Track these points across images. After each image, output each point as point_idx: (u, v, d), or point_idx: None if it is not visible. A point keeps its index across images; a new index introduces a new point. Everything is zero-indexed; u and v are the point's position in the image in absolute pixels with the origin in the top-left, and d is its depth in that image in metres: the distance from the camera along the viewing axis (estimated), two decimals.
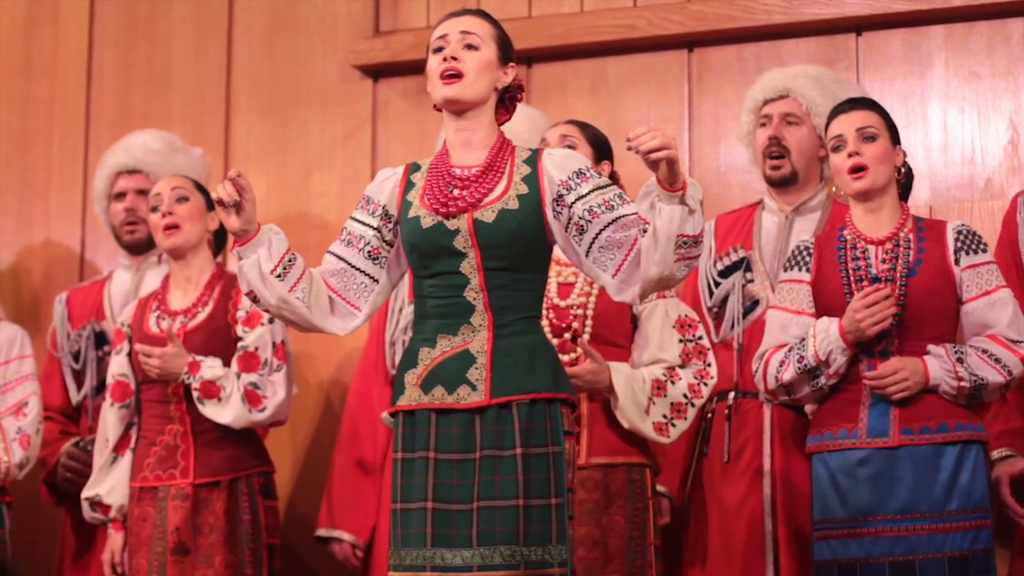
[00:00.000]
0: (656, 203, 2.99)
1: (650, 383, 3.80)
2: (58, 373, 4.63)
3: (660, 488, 4.09)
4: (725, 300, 4.15)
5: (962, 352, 3.65)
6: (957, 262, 3.71)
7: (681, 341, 3.85)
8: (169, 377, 4.05)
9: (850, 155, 3.73)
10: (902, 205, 3.79)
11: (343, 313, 3.21)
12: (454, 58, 3.13)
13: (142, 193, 4.61)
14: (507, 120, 3.26)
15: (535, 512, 3.02)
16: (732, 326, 4.12)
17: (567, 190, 3.11)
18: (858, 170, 3.72)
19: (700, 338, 3.86)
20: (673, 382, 3.81)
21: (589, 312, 3.84)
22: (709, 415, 4.14)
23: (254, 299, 3.17)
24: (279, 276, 3.13)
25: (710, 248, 4.21)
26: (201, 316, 4.15)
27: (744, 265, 4.15)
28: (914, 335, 3.68)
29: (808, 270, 3.80)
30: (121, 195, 4.66)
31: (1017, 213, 3.99)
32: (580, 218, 3.09)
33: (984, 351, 3.65)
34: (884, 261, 3.72)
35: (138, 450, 4.14)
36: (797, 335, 3.75)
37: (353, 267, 3.19)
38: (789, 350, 3.75)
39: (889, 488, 3.63)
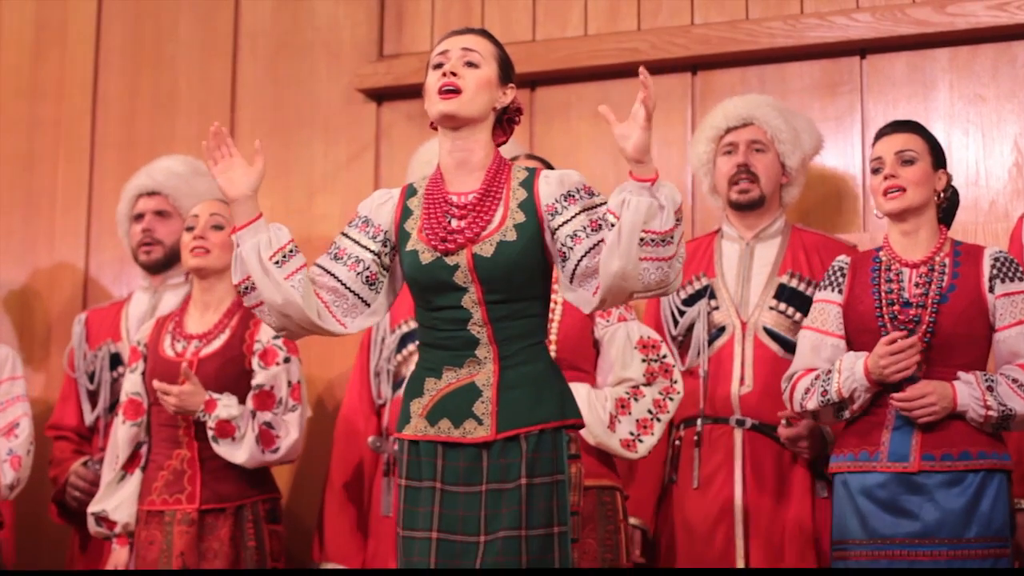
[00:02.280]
0: (626, 196, 2.94)
1: (613, 401, 3.81)
2: (74, 393, 4.63)
3: (634, 520, 4.08)
4: (690, 328, 4.14)
5: (992, 380, 3.62)
6: (991, 289, 3.69)
7: (644, 361, 3.86)
8: (186, 414, 4.06)
9: (886, 177, 3.74)
10: (941, 228, 3.79)
11: (327, 320, 3.13)
12: (453, 73, 3.09)
13: (160, 215, 4.64)
14: (504, 142, 3.22)
15: (537, 542, 2.99)
16: (698, 353, 4.11)
17: (552, 215, 3.07)
18: (892, 191, 3.73)
19: (664, 357, 3.87)
20: (637, 399, 3.82)
21: (552, 338, 3.84)
22: (677, 442, 4.13)
23: (245, 290, 3.11)
24: (277, 263, 3.07)
25: None
26: (217, 343, 4.15)
27: (708, 293, 4.15)
28: (943, 361, 3.67)
29: (840, 291, 3.80)
30: (140, 216, 4.67)
31: (1022, 235, 3.97)
32: (563, 245, 3.04)
33: (1014, 381, 3.63)
34: (917, 285, 3.71)
35: (147, 473, 4.14)
36: (828, 358, 3.75)
37: (347, 287, 3.13)
38: (816, 378, 3.74)
39: (908, 512, 3.62)
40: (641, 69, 2.93)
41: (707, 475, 4.04)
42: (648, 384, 3.85)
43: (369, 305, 3.15)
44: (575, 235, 3.02)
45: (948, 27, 4.45)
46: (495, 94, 3.14)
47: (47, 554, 4.86)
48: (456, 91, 3.08)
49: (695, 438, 4.07)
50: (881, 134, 3.83)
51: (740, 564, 3.96)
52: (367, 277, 3.14)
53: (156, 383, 4.06)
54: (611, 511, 3.89)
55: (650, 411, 3.82)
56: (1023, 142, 4.41)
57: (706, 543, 4.00)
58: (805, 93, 4.51)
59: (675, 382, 3.86)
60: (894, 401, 3.63)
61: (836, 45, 4.56)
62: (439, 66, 3.13)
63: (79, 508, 4.47)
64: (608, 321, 3.92)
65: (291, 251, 3.08)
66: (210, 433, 4.03)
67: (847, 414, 3.71)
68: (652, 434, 3.82)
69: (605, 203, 3.04)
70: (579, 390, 3.77)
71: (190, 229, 4.20)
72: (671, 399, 3.85)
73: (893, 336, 3.63)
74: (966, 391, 3.61)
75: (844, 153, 4.51)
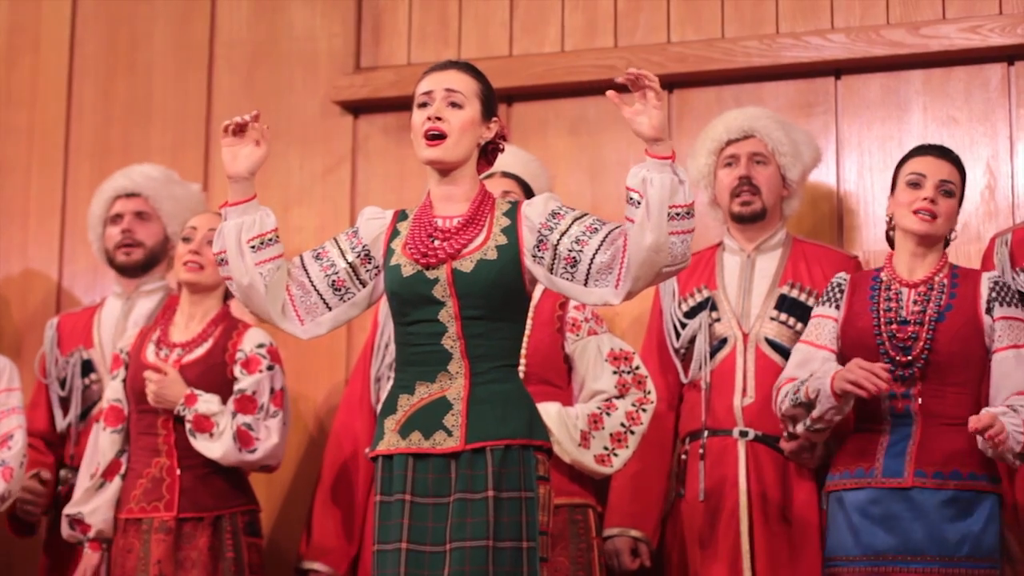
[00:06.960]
0: (647, 175, 3.03)
1: (585, 418, 3.84)
2: (44, 399, 4.63)
3: (635, 533, 4.10)
4: (692, 341, 4.16)
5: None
6: (989, 311, 3.75)
7: (616, 373, 3.89)
8: (164, 404, 4.07)
9: (926, 199, 3.77)
10: (943, 253, 3.85)
11: (289, 317, 3.26)
12: (438, 118, 3.19)
13: (140, 216, 4.64)
14: (487, 171, 3.34)
15: (505, 554, 3.05)
16: (700, 366, 4.14)
17: (548, 231, 3.16)
18: (926, 214, 3.77)
19: (637, 368, 3.91)
20: (609, 413, 3.86)
21: (521, 352, 3.86)
22: (683, 456, 4.15)
23: (221, 261, 3.22)
24: (253, 248, 3.19)
25: (673, 291, 4.23)
26: (199, 352, 4.16)
27: (709, 305, 4.17)
28: (938, 380, 3.72)
29: (838, 307, 3.85)
30: (118, 217, 4.65)
31: (995, 254, 4.02)
32: (569, 251, 3.13)
33: None
34: (915, 303, 3.77)
35: (126, 481, 4.15)
36: (815, 370, 3.79)
37: (313, 285, 3.25)
38: (801, 383, 3.79)
39: (900, 529, 3.66)
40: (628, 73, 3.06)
41: (712, 487, 4.05)
42: (620, 396, 3.89)
43: (330, 309, 3.25)
44: (579, 239, 3.13)
45: (922, 49, 4.49)
46: (479, 132, 3.25)
47: (18, 562, 4.85)
48: (441, 136, 3.19)
49: (700, 451, 4.09)
50: (925, 152, 3.86)
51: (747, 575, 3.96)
52: (334, 281, 3.25)
53: (146, 372, 4.07)
54: (583, 529, 3.92)
55: (623, 424, 3.86)
56: (995, 164, 4.45)
57: (714, 556, 4.01)
58: (780, 113, 4.51)
59: (648, 392, 3.90)
60: (983, 432, 3.52)
61: (811, 65, 4.59)
62: (423, 105, 3.23)
63: (28, 520, 4.50)
64: (578, 336, 3.95)
65: (270, 240, 3.22)
66: (187, 426, 4.05)
67: (811, 423, 3.75)
68: (627, 447, 3.86)
69: (586, 213, 3.18)
70: (549, 409, 3.80)
71: (187, 240, 4.20)
72: (644, 410, 3.88)
73: (876, 367, 3.65)
74: (1008, 421, 3.57)
75: (819, 172, 4.52)
